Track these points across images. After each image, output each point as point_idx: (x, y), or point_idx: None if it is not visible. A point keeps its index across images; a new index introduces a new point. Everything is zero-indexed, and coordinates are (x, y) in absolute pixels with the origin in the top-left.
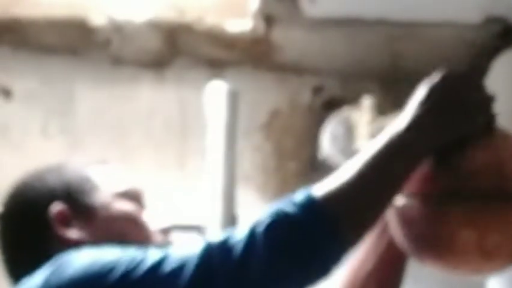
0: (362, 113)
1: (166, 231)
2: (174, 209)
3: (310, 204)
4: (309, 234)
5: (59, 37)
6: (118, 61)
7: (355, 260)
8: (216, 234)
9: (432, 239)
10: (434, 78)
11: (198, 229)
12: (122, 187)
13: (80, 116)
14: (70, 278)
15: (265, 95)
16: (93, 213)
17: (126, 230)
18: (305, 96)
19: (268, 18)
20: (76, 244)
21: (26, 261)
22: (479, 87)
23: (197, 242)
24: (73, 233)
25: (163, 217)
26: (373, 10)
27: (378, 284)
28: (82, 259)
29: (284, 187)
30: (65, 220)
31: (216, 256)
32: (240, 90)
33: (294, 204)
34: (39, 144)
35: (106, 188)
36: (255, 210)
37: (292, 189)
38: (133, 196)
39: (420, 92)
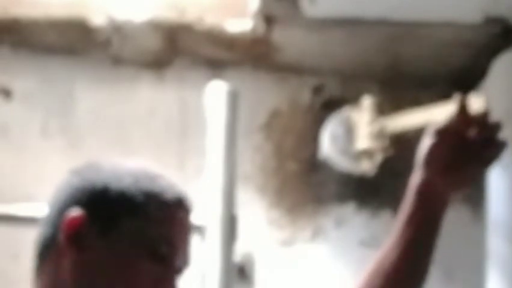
0: (362, 113)
1: None
2: None
3: None
4: None
5: (59, 37)
6: (118, 61)
7: (374, 261)
8: None
9: None
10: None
11: (197, 229)
12: (166, 249)
13: (80, 116)
14: None
15: (265, 95)
16: (110, 240)
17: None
18: (305, 96)
19: (268, 18)
20: (71, 263)
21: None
22: None
23: None
24: (74, 251)
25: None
26: (373, 10)
27: (398, 286)
28: None
29: (284, 187)
30: (75, 232)
31: None
32: (240, 90)
33: None
34: (39, 144)
35: (150, 232)
36: (255, 210)
37: (292, 189)
38: (168, 263)
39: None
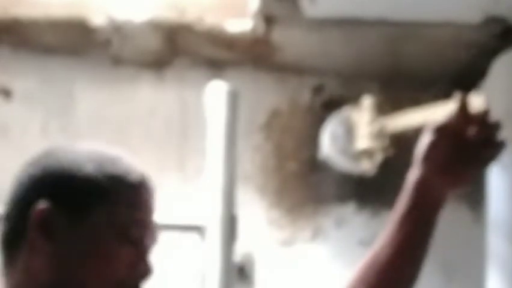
0: (362, 113)
1: (144, 273)
2: (174, 209)
3: None
4: None
5: (59, 37)
6: (118, 61)
7: (367, 258)
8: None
9: None
10: None
11: (198, 229)
12: (134, 228)
13: (80, 116)
14: None
15: (265, 95)
16: (79, 227)
17: (101, 267)
18: (305, 96)
19: (268, 18)
20: (43, 253)
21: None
22: None
23: None
24: (44, 241)
25: (147, 259)
26: (373, 10)
27: (390, 282)
28: None
29: (284, 187)
30: (44, 223)
31: None
32: (240, 90)
33: None
34: (39, 144)
35: (118, 213)
36: (255, 210)
37: (292, 189)
38: (138, 242)
39: None
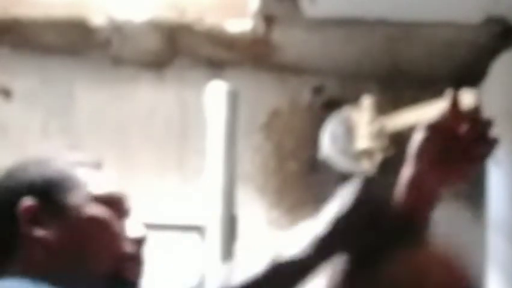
0: (362, 113)
1: (140, 241)
2: (174, 209)
3: None
4: None
5: (59, 37)
6: (118, 61)
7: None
8: None
9: None
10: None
11: (198, 229)
12: (102, 191)
13: (80, 116)
14: None
15: (265, 95)
16: (64, 213)
17: (95, 235)
18: (305, 96)
19: (268, 18)
20: (40, 243)
21: None
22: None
23: None
24: (39, 232)
25: (142, 226)
26: (373, 10)
27: None
28: None
29: (284, 187)
30: (34, 217)
31: None
32: (240, 90)
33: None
34: (39, 144)
35: (85, 189)
36: (255, 210)
37: (292, 189)
38: (113, 202)
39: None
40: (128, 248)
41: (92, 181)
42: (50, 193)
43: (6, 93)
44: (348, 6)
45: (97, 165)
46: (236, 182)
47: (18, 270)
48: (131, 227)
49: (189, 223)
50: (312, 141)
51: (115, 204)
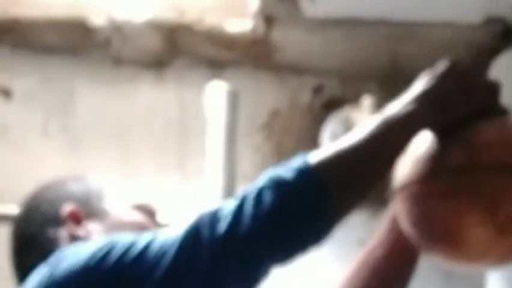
0: (362, 113)
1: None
2: (174, 209)
3: (305, 169)
4: (300, 199)
5: (59, 37)
6: (118, 61)
7: (362, 255)
8: (207, 208)
9: (443, 214)
10: (438, 67)
11: None
12: (138, 201)
13: (80, 116)
14: (64, 272)
15: (265, 95)
16: (105, 217)
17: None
18: (305, 96)
19: (268, 18)
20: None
21: (37, 260)
22: (483, 74)
23: (188, 219)
24: (83, 231)
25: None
26: (373, 10)
27: (384, 280)
28: (76, 252)
29: None
30: (77, 219)
31: (204, 230)
32: (240, 90)
33: (290, 169)
34: (39, 144)
35: (122, 198)
36: None
37: None
38: (147, 211)
39: (424, 78)
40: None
41: (127, 193)
42: (90, 201)
43: (6, 93)
44: (348, 6)
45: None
46: (236, 182)
47: None
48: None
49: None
50: (312, 141)
51: (149, 213)
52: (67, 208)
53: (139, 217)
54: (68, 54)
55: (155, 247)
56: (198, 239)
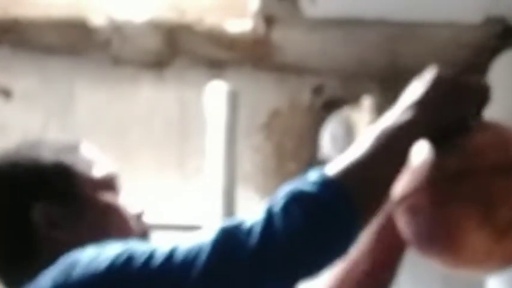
0: (362, 113)
1: (140, 215)
2: (174, 209)
3: (326, 182)
4: (328, 210)
5: (59, 37)
6: (118, 61)
7: (347, 261)
8: (228, 221)
9: (442, 221)
10: (427, 74)
11: (198, 229)
12: (101, 173)
13: (80, 116)
14: (81, 277)
15: (265, 95)
16: (78, 208)
17: (112, 223)
18: (305, 96)
19: (268, 19)
20: (62, 243)
21: (16, 269)
22: (472, 79)
23: (208, 230)
24: (59, 233)
25: (136, 199)
26: (373, 10)
27: (370, 285)
28: (90, 257)
29: None
30: (51, 221)
31: (232, 240)
32: (240, 90)
33: (309, 183)
34: None
35: (87, 177)
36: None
37: None
38: (112, 182)
39: (413, 86)
40: (136, 226)
41: (88, 166)
42: (56, 193)
43: (6, 93)
44: (348, 6)
45: (79, 146)
46: (236, 182)
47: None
48: (131, 204)
49: (189, 223)
50: (312, 141)
51: (112, 184)
52: (38, 210)
53: (111, 198)
54: (68, 54)
55: (180, 254)
56: (228, 249)
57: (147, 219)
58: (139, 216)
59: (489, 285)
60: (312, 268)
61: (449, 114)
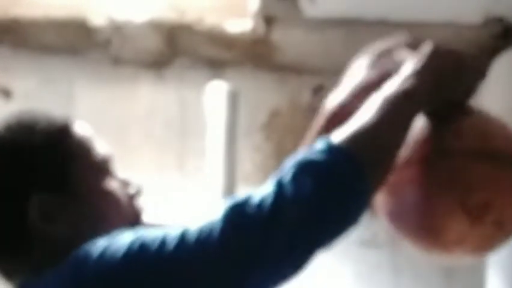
0: None
1: (133, 196)
2: (174, 209)
3: (333, 149)
4: (338, 177)
5: (59, 37)
6: (118, 61)
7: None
8: (233, 198)
9: (417, 202)
10: (424, 48)
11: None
12: (97, 157)
13: (80, 116)
14: (96, 270)
15: (265, 95)
16: (76, 199)
17: (109, 211)
18: (305, 96)
19: (268, 18)
20: (57, 236)
21: (11, 263)
22: (473, 55)
23: (215, 209)
24: (55, 227)
25: (130, 179)
26: (373, 10)
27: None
28: (102, 249)
29: None
30: (46, 214)
31: (244, 213)
32: (240, 90)
33: (317, 152)
34: None
35: (83, 163)
36: None
37: None
38: (106, 165)
39: (424, 49)
40: (129, 209)
41: (83, 150)
42: (53, 183)
43: (6, 93)
44: (348, 6)
45: (70, 126)
46: (236, 182)
47: (38, 263)
48: (126, 185)
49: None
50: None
51: (108, 166)
52: (32, 203)
53: (110, 186)
54: (68, 54)
55: (192, 234)
56: (242, 221)
57: (141, 200)
58: (132, 198)
59: (489, 284)
60: (325, 236)
61: (448, 85)
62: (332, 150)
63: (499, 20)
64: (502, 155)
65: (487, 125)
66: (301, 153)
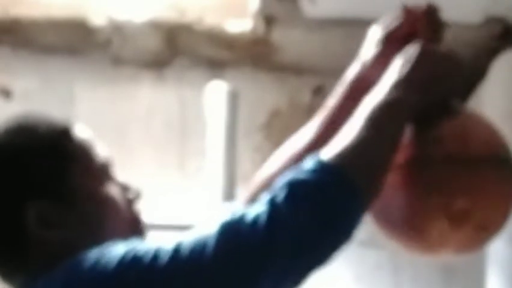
0: None
1: (132, 201)
2: (174, 209)
3: (324, 168)
4: (330, 197)
5: (59, 37)
6: (118, 61)
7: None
8: (227, 214)
9: (400, 205)
10: (410, 50)
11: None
12: (98, 161)
13: (80, 116)
14: (86, 280)
15: (265, 95)
16: (75, 206)
17: (109, 217)
18: (305, 96)
19: (268, 19)
20: (56, 243)
21: (8, 267)
22: (459, 61)
23: (209, 224)
24: (53, 233)
25: (130, 183)
26: (373, 10)
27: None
28: (95, 260)
29: None
30: (44, 221)
31: (240, 230)
32: (240, 90)
33: (307, 171)
34: None
35: (83, 169)
36: None
37: None
38: (107, 170)
39: (398, 61)
40: (128, 214)
41: (84, 156)
42: (52, 189)
43: (6, 93)
44: (348, 6)
45: (70, 130)
46: (236, 182)
47: (35, 267)
48: (125, 190)
49: (189, 223)
50: None
51: (109, 171)
52: (30, 209)
53: (110, 192)
54: (68, 54)
55: (186, 248)
56: (235, 239)
57: (140, 205)
58: (130, 203)
59: (489, 284)
60: (320, 256)
61: (436, 89)
62: (324, 169)
63: (499, 20)
64: (484, 159)
65: (469, 128)
66: (292, 172)
